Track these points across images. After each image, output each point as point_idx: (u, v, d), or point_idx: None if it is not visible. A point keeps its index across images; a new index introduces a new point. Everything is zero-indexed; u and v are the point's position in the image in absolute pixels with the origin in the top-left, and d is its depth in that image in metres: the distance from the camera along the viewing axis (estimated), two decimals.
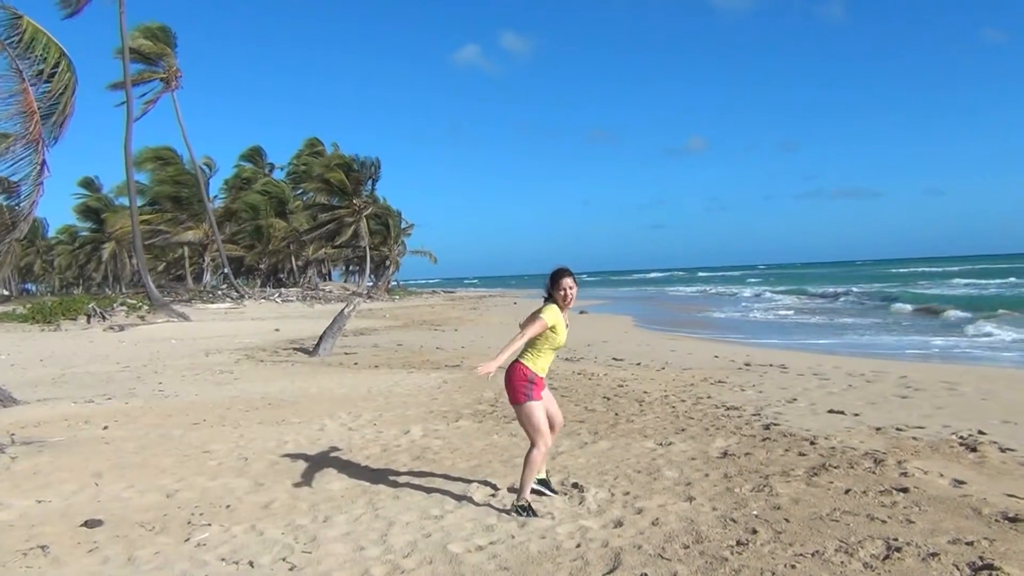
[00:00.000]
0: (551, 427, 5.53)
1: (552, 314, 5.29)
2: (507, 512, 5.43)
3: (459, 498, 5.83)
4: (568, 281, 5.36)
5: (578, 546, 4.76)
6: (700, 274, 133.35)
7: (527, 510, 5.38)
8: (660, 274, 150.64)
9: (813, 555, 4.44)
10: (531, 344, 5.36)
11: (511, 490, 5.88)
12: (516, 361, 5.39)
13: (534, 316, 5.30)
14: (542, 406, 5.40)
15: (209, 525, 5.34)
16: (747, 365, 13.75)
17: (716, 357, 15.34)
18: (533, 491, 5.63)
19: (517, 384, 5.33)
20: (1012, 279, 53.65)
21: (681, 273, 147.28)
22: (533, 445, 5.39)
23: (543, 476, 5.86)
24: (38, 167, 10.93)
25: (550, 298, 5.41)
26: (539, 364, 5.38)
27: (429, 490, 6.07)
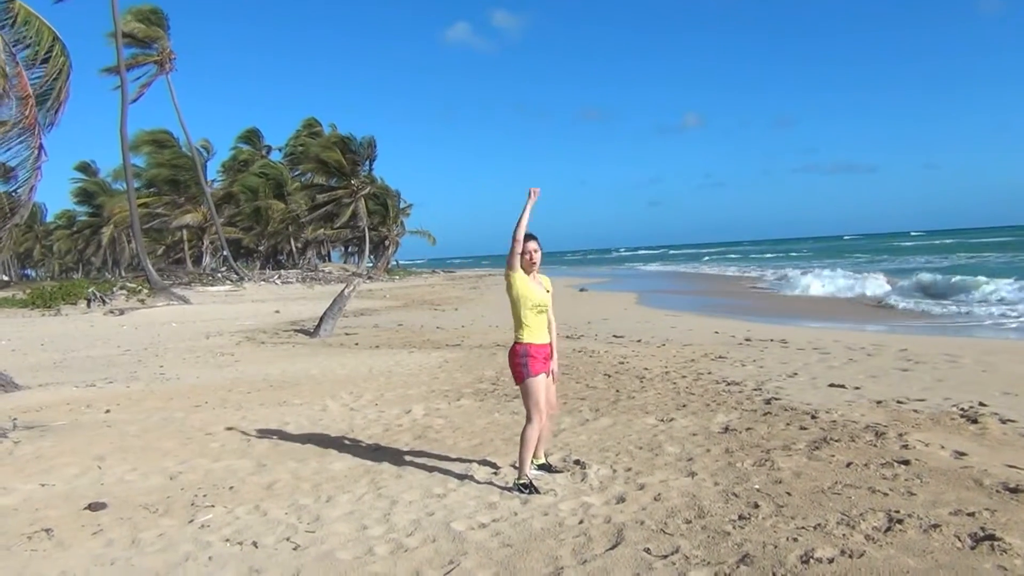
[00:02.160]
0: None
1: (518, 283, 5.38)
2: (509, 490, 5.45)
3: (461, 476, 5.84)
4: (531, 245, 5.42)
5: (581, 522, 4.77)
6: (698, 251, 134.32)
7: (529, 487, 5.40)
8: (658, 251, 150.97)
9: (815, 528, 4.45)
10: (515, 318, 5.44)
11: (513, 467, 5.89)
12: (514, 343, 5.46)
13: (511, 295, 5.41)
14: (541, 382, 5.43)
15: (212, 506, 5.36)
16: (747, 340, 13.75)
17: (716, 333, 15.33)
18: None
19: (515, 363, 5.43)
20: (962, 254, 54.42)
21: (679, 250, 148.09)
22: (528, 421, 5.43)
23: (542, 461, 5.88)
24: (35, 152, 10.88)
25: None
26: (532, 333, 5.43)
27: (431, 469, 6.09)
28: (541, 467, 5.84)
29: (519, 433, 7.08)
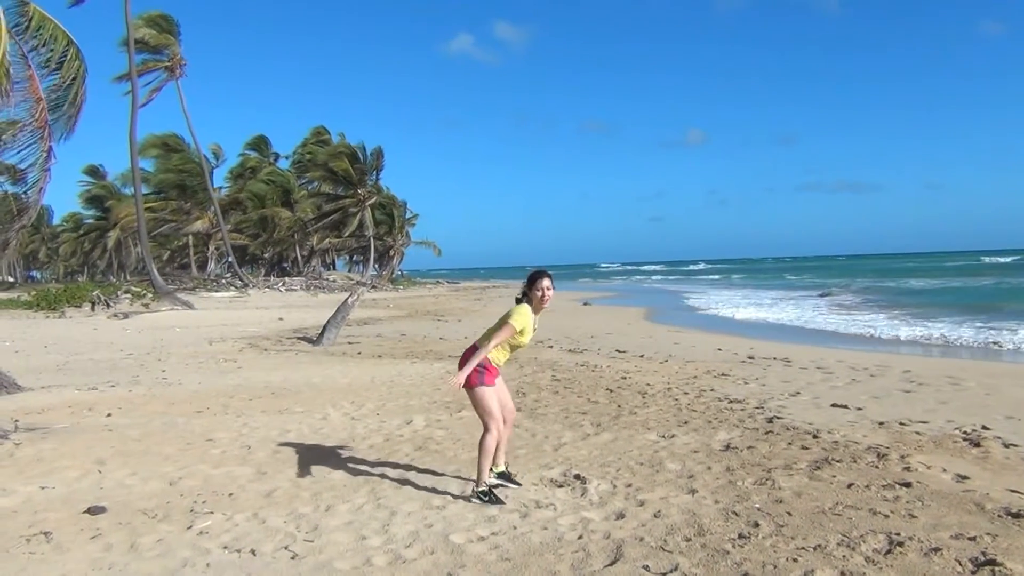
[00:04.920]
0: (503, 419, 5.61)
1: (521, 317, 5.38)
2: (468, 498, 5.49)
3: (461, 489, 5.83)
4: (546, 283, 5.43)
5: (580, 538, 4.76)
6: (697, 267, 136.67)
7: (488, 495, 5.43)
8: (660, 267, 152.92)
9: (815, 549, 4.43)
10: (490, 337, 5.45)
11: (512, 481, 5.88)
12: (472, 348, 5.48)
13: (504, 320, 5.42)
14: (494, 392, 5.46)
15: (212, 513, 5.35)
16: (750, 358, 13.73)
17: (719, 350, 15.32)
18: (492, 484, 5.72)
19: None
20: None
21: (681, 266, 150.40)
22: (486, 430, 5.45)
23: (502, 469, 5.89)
24: (45, 154, 10.91)
25: (525, 298, 5.49)
26: (493, 356, 5.47)
27: (431, 480, 6.08)
28: (500, 475, 5.86)
29: (520, 446, 7.14)
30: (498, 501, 5.40)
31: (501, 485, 5.74)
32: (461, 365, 5.49)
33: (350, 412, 9.08)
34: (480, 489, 5.48)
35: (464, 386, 5.45)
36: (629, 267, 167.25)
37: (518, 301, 5.50)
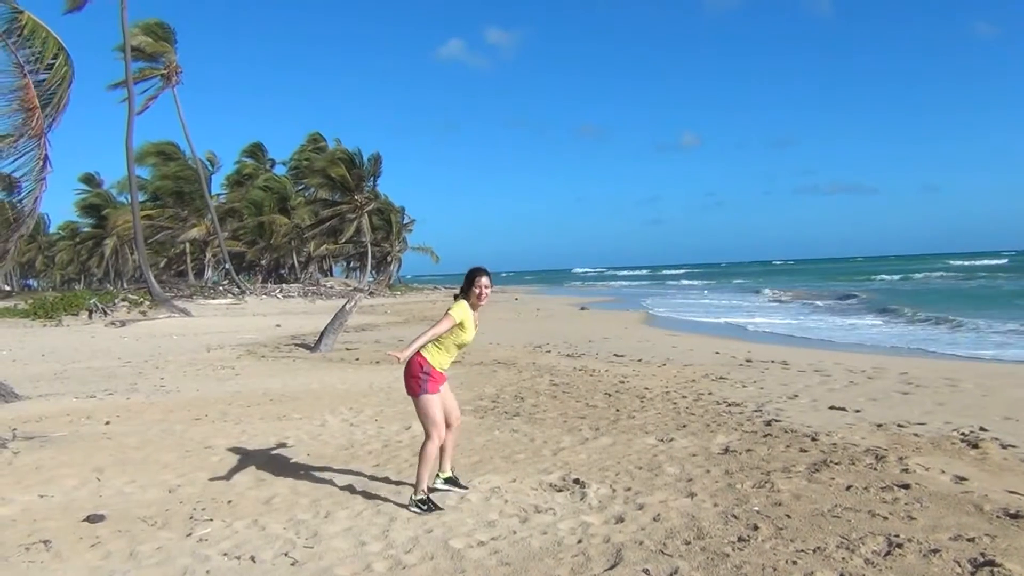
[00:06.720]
0: (448, 424, 5.63)
1: (461, 311, 5.40)
2: (408, 507, 5.46)
3: (460, 494, 5.83)
4: (484, 280, 5.47)
5: (579, 542, 4.76)
6: (677, 271, 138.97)
7: (426, 503, 5.42)
8: (640, 271, 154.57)
9: (815, 551, 4.44)
10: (433, 339, 5.42)
11: (513, 483, 5.89)
12: (417, 354, 5.43)
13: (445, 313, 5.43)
14: (437, 400, 5.46)
15: (211, 520, 5.35)
16: (748, 361, 13.75)
17: (717, 353, 15.33)
18: (437, 490, 5.73)
19: (413, 376, 5.41)
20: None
21: (658, 271, 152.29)
22: (427, 438, 5.45)
23: (450, 474, 5.91)
24: (40, 163, 10.92)
25: (463, 295, 5.50)
26: (438, 359, 5.46)
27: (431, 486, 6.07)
28: (448, 480, 5.88)
29: (519, 451, 7.15)
30: (437, 508, 5.40)
31: (448, 491, 5.78)
32: (411, 378, 5.47)
33: (348, 418, 9.08)
34: (418, 497, 5.45)
35: (408, 393, 5.47)
36: (606, 272, 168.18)
37: (456, 299, 5.52)
